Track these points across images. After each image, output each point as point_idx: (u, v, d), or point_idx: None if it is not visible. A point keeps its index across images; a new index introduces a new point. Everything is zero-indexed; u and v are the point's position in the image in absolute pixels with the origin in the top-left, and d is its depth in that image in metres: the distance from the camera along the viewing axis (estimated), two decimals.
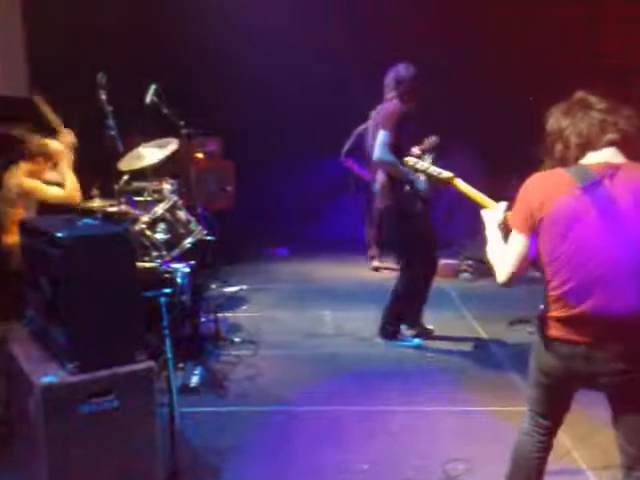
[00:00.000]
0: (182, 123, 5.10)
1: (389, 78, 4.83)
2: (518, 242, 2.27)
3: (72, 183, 4.53)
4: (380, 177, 4.84)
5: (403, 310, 5.04)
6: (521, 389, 3.98)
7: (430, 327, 5.19)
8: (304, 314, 5.77)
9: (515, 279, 2.30)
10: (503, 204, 2.49)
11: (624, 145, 2.20)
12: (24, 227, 3.09)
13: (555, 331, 2.27)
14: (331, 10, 7.69)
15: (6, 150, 4.73)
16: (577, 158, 2.24)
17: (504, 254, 2.32)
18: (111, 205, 4.56)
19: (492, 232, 2.44)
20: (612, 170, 2.16)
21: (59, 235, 2.52)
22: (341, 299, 6.22)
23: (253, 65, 7.56)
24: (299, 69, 7.69)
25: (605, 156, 2.20)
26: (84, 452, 2.48)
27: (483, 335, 5.13)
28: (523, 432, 2.53)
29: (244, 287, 6.48)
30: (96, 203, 4.75)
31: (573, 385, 2.37)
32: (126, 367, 2.60)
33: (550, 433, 2.48)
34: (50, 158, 4.59)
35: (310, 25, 7.59)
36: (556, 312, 2.26)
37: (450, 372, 4.44)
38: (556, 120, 2.30)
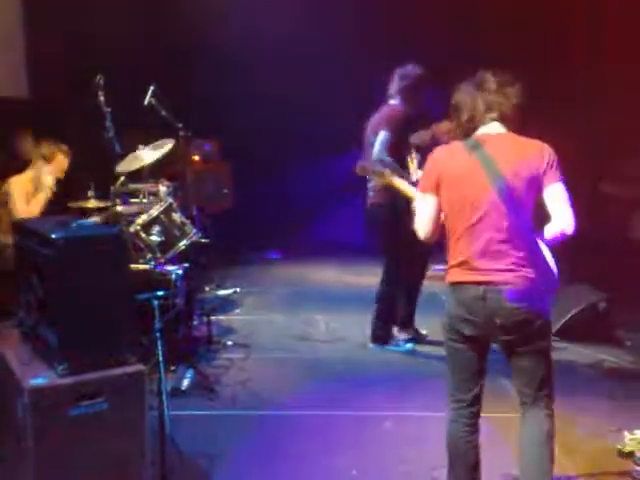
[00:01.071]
0: (180, 125, 5.10)
1: (393, 80, 4.83)
2: (428, 201, 2.74)
3: (38, 205, 4.72)
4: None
5: (391, 312, 5.02)
6: (513, 395, 3.98)
7: (424, 332, 5.19)
8: (297, 318, 5.77)
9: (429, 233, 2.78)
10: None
11: (504, 120, 2.68)
12: (18, 227, 3.09)
13: (456, 276, 2.67)
14: (331, 10, 7.70)
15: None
16: (470, 131, 2.72)
17: (420, 214, 2.80)
18: (106, 206, 4.57)
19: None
20: (488, 138, 2.66)
21: (52, 236, 2.52)
22: (334, 303, 6.22)
23: (251, 66, 7.57)
24: (298, 70, 7.70)
25: (489, 129, 2.69)
26: (73, 455, 2.47)
27: None
28: (450, 420, 2.81)
29: (238, 290, 6.47)
30: (91, 204, 4.77)
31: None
32: (116, 370, 2.59)
33: (474, 414, 2.78)
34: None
35: (310, 26, 7.60)
36: (454, 260, 2.68)
37: (441, 377, 4.39)
38: (457, 96, 2.78)
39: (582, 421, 3.75)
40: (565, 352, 4.84)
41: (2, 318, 3.37)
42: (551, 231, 2.61)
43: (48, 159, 4.78)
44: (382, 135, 4.63)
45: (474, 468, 2.76)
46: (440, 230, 2.79)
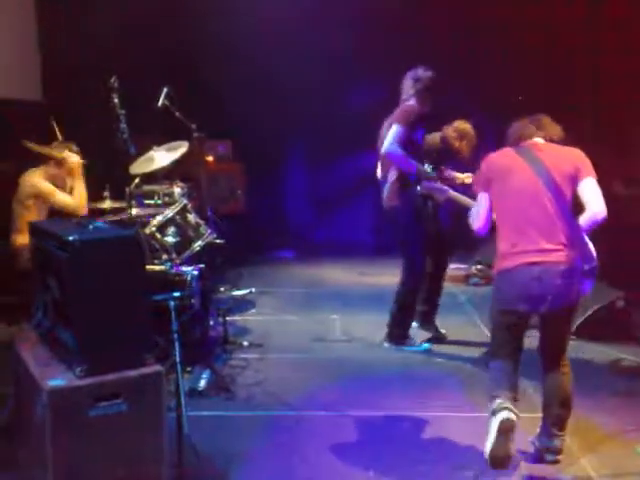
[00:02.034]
0: (194, 126, 5.12)
1: (407, 78, 4.82)
2: (481, 199, 3.30)
3: (80, 194, 4.59)
4: (391, 176, 4.82)
5: (409, 312, 5.00)
6: (531, 395, 3.96)
7: (443, 331, 5.18)
8: (312, 318, 5.77)
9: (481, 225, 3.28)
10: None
11: (547, 140, 3.32)
12: (34, 229, 3.10)
13: (510, 262, 3.12)
14: (344, 12, 7.68)
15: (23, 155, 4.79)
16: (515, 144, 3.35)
17: (476, 209, 3.33)
18: (121, 207, 4.59)
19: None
20: (535, 144, 3.28)
21: (68, 238, 2.52)
22: (350, 303, 6.21)
23: (263, 68, 7.57)
24: (309, 72, 7.70)
25: (534, 141, 3.31)
26: (91, 456, 2.48)
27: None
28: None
29: (253, 290, 6.47)
30: (107, 205, 4.79)
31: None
32: (135, 371, 2.60)
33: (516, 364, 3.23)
34: (64, 167, 4.64)
35: (321, 27, 7.60)
36: (511, 249, 3.13)
37: (458, 377, 4.42)
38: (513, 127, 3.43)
39: (600, 420, 3.72)
40: (583, 350, 4.80)
41: (20, 320, 3.40)
42: (585, 217, 3.12)
43: (60, 163, 4.75)
44: (395, 128, 4.61)
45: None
46: (489, 223, 3.29)
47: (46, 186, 4.56)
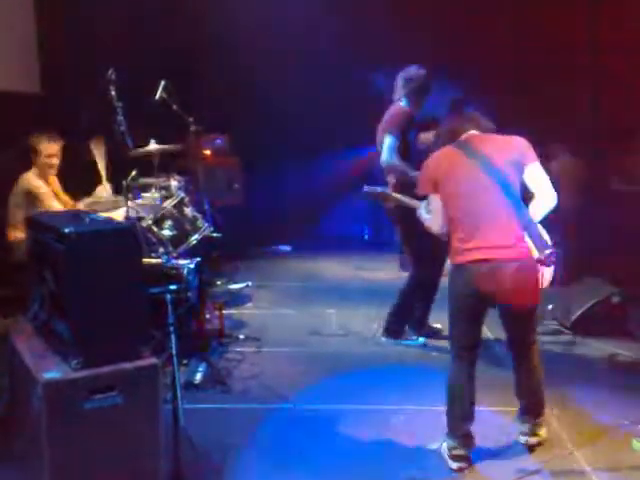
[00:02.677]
0: (191, 119, 5.11)
1: (399, 81, 4.82)
2: (429, 202, 3.31)
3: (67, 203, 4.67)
4: (391, 179, 4.83)
5: (409, 308, 5.02)
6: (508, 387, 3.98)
7: (438, 326, 5.18)
8: (309, 312, 5.77)
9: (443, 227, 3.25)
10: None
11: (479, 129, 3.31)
12: (31, 222, 3.10)
13: (463, 257, 3.10)
14: (339, 9, 7.66)
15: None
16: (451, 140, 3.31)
17: (430, 213, 3.34)
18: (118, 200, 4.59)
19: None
20: (472, 137, 3.25)
21: (65, 230, 2.52)
22: (346, 297, 6.21)
23: (260, 62, 7.55)
24: (307, 66, 7.69)
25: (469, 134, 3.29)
26: (87, 448, 2.48)
27: (489, 335, 5.11)
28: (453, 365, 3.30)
29: (249, 284, 6.48)
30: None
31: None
32: (130, 363, 2.60)
33: (472, 363, 3.25)
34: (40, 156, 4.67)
35: (318, 23, 7.58)
36: (464, 245, 3.10)
37: None
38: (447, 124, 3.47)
39: (596, 414, 3.73)
40: (579, 345, 4.82)
41: (16, 312, 3.39)
42: (536, 206, 3.09)
43: (35, 152, 4.72)
44: (388, 140, 4.64)
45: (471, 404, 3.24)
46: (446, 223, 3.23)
47: (37, 187, 4.59)
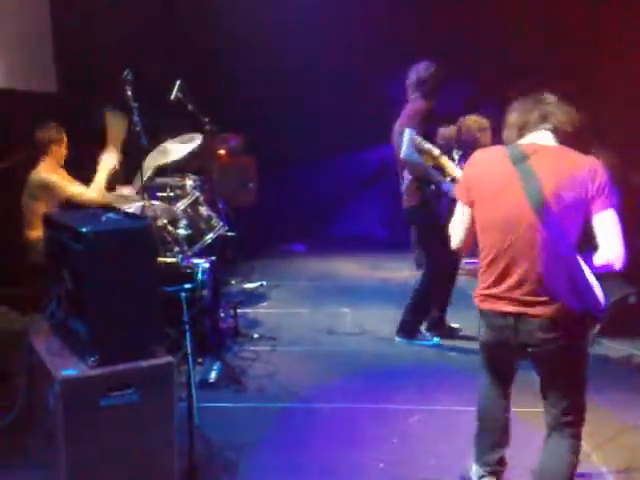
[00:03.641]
0: (206, 119, 5.12)
1: (411, 79, 4.82)
2: (460, 211, 2.64)
3: (98, 184, 4.60)
4: (407, 176, 4.82)
5: (424, 308, 5.01)
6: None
7: (456, 325, 5.16)
8: (323, 311, 5.77)
9: (462, 245, 2.68)
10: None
11: (558, 133, 2.51)
12: (48, 221, 3.12)
13: (487, 304, 2.55)
14: (358, 7, 7.66)
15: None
16: (518, 137, 2.57)
17: (455, 222, 2.69)
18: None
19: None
20: (535, 149, 2.46)
21: (82, 229, 2.54)
22: (361, 297, 6.21)
23: (277, 61, 7.57)
24: (322, 65, 7.69)
25: (539, 139, 2.52)
26: (103, 445, 2.50)
27: None
28: (483, 395, 2.86)
29: (264, 283, 6.49)
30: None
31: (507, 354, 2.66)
32: (146, 361, 2.61)
33: (505, 393, 2.81)
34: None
35: (334, 22, 7.58)
36: (484, 284, 2.55)
37: (470, 372, 4.38)
38: (512, 111, 2.62)
39: (612, 416, 3.70)
40: (595, 346, 4.78)
41: (33, 311, 3.42)
42: (598, 261, 2.42)
43: (58, 141, 4.74)
44: (407, 133, 4.61)
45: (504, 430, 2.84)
46: (473, 244, 2.67)
47: (51, 178, 4.59)
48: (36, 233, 4.54)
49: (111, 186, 4.82)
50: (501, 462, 2.85)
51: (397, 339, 5.00)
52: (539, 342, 2.45)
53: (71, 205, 4.65)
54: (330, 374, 4.39)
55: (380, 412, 3.82)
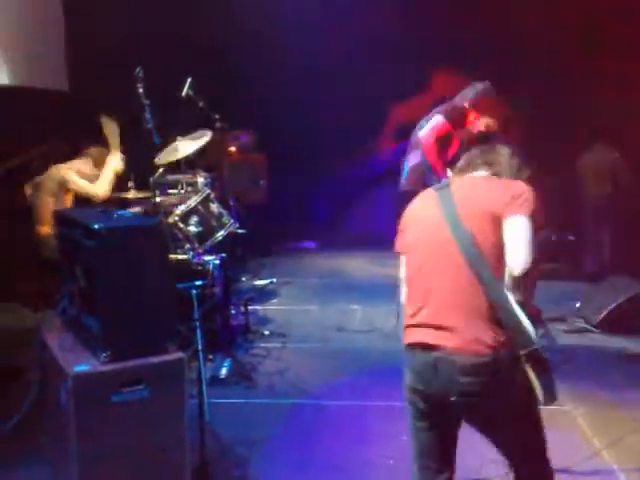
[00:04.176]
0: (217, 116, 5.13)
1: (473, 86, 4.77)
2: (400, 264, 2.46)
3: (104, 181, 4.66)
4: (414, 158, 4.79)
5: None
6: None
7: None
8: (333, 308, 5.78)
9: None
10: None
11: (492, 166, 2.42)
12: (59, 217, 3.14)
13: (409, 338, 2.30)
14: (373, 6, 7.64)
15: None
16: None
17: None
18: (146, 197, 4.63)
19: None
20: (462, 179, 2.43)
21: (94, 226, 2.55)
22: (371, 294, 6.20)
23: (288, 58, 7.56)
24: (333, 63, 7.68)
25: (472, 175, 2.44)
26: (114, 441, 2.51)
27: None
28: None
29: (274, 280, 6.50)
30: (131, 194, 4.84)
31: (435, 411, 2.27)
32: (158, 357, 2.62)
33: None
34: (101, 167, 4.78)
35: (348, 19, 7.57)
36: (408, 319, 2.32)
37: None
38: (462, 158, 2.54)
39: (624, 414, 3.68)
40: (606, 344, 4.75)
41: (46, 306, 3.45)
42: (506, 277, 2.15)
43: (97, 163, 4.87)
44: (437, 118, 4.61)
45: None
46: None
47: (68, 173, 4.66)
48: (47, 229, 4.58)
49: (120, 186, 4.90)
50: None
51: None
52: (464, 387, 2.12)
53: (79, 203, 4.71)
54: (340, 371, 4.39)
55: (389, 409, 3.81)
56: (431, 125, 4.60)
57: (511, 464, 2.32)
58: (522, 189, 2.23)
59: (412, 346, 2.26)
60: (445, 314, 2.16)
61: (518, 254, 2.13)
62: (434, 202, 2.34)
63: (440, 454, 2.35)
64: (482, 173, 2.42)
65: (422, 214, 2.39)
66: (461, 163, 2.50)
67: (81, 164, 4.84)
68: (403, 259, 2.42)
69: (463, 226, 2.20)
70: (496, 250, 2.16)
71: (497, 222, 2.18)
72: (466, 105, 4.72)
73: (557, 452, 3.24)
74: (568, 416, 3.28)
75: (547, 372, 2.09)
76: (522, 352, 2.06)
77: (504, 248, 2.16)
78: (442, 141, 4.60)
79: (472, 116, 4.72)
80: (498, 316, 2.10)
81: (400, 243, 2.46)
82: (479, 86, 4.75)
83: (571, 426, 3.38)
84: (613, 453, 3.26)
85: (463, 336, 2.10)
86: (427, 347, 2.18)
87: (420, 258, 2.31)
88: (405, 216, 2.48)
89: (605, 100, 6.73)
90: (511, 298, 2.12)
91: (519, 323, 2.09)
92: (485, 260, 2.14)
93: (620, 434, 3.45)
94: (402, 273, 2.44)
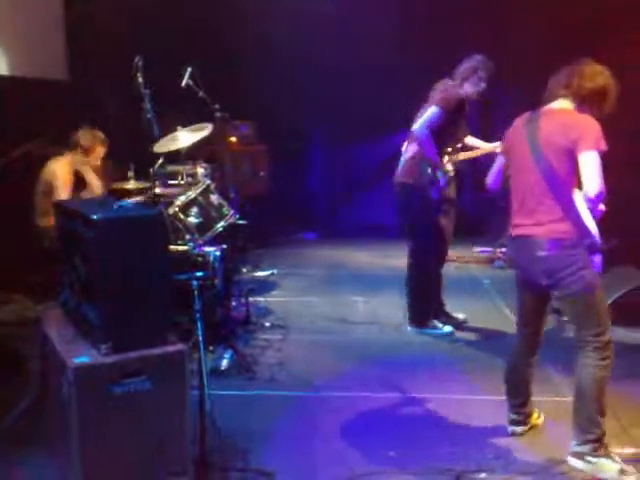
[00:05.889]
0: (217, 106, 5.10)
1: (466, 63, 4.68)
2: (498, 159, 3.44)
3: (66, 190, 4.74)
4: (410, 151, 4.76)
5: (427, 295, 4.95)
6: (554, 379, 3.94)
7: (460, 316, 5.12)
8: (335, 300, 5.77)
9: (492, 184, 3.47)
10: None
11: (576, 97, 3.10)
12: (59, 208, 3.13)
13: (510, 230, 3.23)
14: None
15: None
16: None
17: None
18: (146, 187, 4.61)
19: None
20: (545, 112, 3.14)
21: (93, 217, 2.54)
22: (372, 285, 6.20)
23: (289, 48, 7.52)
24: (334, 53, 7.63)
25: (553, 104, 3.15)
26: (115, 433, 2.51)
27: (511, 316, 5.06)
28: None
29: (275, 272, 6.49)
30: (131, 185, 4.82)
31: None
32: (158, 349, 2.61)
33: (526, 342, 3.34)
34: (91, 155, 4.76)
35: (347, 8, 7.52)
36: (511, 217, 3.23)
37: (481, 361, 4.40)
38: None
39: (629, 405, 3.67)
40: (611, 334, 4.73)
41: (46, 298, 3.44)
42: (580, 195, 2.95)
43: (87, 151, 4.82)
44: (433, 110, 4.55)
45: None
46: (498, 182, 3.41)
47: (60, 179, 4.66)
48: (47, 220, 4.57)
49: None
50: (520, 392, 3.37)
51: (408, 328, 4.99)
52: (540, 260, 3.02)
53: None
54: (341, 362, 4.39)
55: (391, 400, 3.82)
56: (426, 116, 4.56)
57: (574, 337, 3.12)
58: (586, 127, 2.94)
59: (513, 237, 3.23)
60: (524, 217, 3.14)
61: (593, 181, 2.88)
62: (524, 133, 3.11)
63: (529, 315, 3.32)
64: (559, 103, 3.10)
65: (516, 141, 3.18)
66: (547, 92, 3.17)
67: (71, 157, 4.82)
68: (500, 158, 3.42)
69: (543, 157, 3.00)
70: (569, 170, 2.97)
71: (571, 154, 2.94)
72: (459, 90, 4.66)
73: (558, 442, 3.26)
74: (569, 406, 3.27)
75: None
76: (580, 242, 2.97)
77: (574, 174, 2.96)
78: (438, 131, 4.56)
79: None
80: (566, 217, 2.98)
81: (503, 151, 3.37)
82: (475, 62, 4.65)
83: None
84: (619, 446, 3.23)
85: (533, 227, 3.08)
86: (516, 237, 3.21)
87: (515, 178, 3.22)
88: (507, 135, 3.29)
89: None
90: (582, 207, 2.95)
91: (582, 222, 2.96)
92: (558, 181, 2.99)
93: (625, 425, 3.44)
94: (495, 165, 3.47)
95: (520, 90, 6.68)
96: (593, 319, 3.02)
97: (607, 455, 3.00)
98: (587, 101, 3.07)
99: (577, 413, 3.05)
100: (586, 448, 3.00)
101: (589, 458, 2.99)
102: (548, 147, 2.99)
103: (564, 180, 2.99)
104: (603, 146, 2.91)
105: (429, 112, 4.55)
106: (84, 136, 4.81)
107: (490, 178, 3.45)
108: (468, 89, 4.67)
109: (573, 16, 6.89)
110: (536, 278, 3.09)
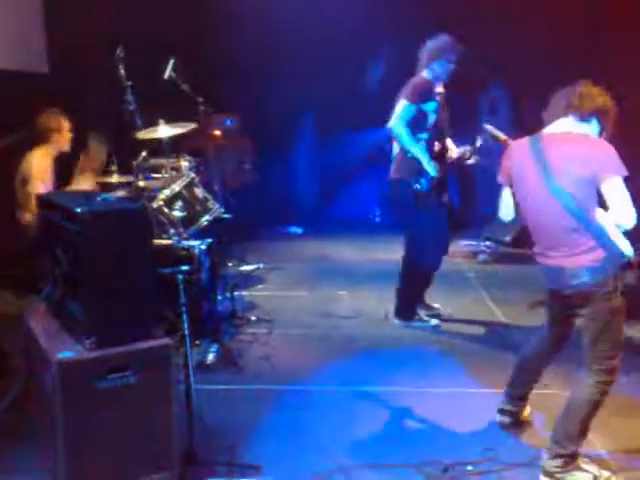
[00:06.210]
0: (200, 99, 5.06)
1: (425, 46, 4.67)
2: (504, 194, 3.23)
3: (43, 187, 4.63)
4: (396, 147, 4.76)
5: (416, 289, 4.97)
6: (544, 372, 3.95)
7: (436, 305, 5.11)
8: (320, 294, 5.76)
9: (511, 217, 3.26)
10: None
11: (582, 117, 2.96)
12: (43, 202, 3.09)
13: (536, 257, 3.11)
14: None
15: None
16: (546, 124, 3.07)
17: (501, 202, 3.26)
18: (129, 181, 4.57)
19: None
20: (550, 137, 2.98)
21: (77, 210, 2.51)
22: (358, 279, 6.20)
23: (273, 41, 7.49)
24: (320, 46, 7.61)
25: (558, 126, 3.00)
26: (101, 428, 2.49)
27: (502, 318, 5.09)
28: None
29: (261, 266, 6.47)
30: (114, 179, 4.77)
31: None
32: (144, 343, 2.60)
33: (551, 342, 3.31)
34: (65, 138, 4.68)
35: (333, 1, 7.50)
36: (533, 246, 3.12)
37: (467, 355, 4.41)
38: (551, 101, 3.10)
39: (615, 397, 3.68)
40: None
41: (30, 292, 3.40)
42: (611, 221, 2.82)
43: (59, 131, 4.76)
44: (401, 105, 4.53)
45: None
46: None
47: (35, 170, 4.60)
48: (30, 215, 4.51)
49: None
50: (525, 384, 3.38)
51: (395, 321, 4.99)
52: (567, 289, 2.97)
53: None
54: (327, 356, 4.38)
55: (377, 394, 3.82)
56: (397, 112, 4.55)
57: (582, 354, 3.01)
58: (602, 153, 2.82)
59: (539, 264, 3.12)
60: (549, 250, 3.02)
61: (622, 210, 2.78)
62: (531, 160, 2.94)
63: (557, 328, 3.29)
64: (562, 124, 2.97)
65: (524, 169, 3.01)
66: (548, 111, 3.05)
67: (47, 148, 4.76)
68: (507, 191, 3.23)
69: (559, 187, 2.84)
70: (591, 197, 2.83)
71: (592, 182, 2.80)
72: (423, 75, 4.64)
73: (547, 435, 3.28)
74: (556, 398, 3.28)
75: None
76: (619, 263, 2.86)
77: (596, 198, 2.83)
78: (413, 123, 4.55)
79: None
80: (594, 245, 2.85)
81: (506, 179, 3.17)
82: (433, 43, 4.63)
83: (559, 409, 3.38)
84: (600, 436, 3.27)
85: (563, 259, 2.95)
86: (547, 266, 3.07)
87: (530, 208, 3.07)
88: (508, 160, 3.12)
89: None
90: (607, 228, 2.83)
91: (611, 247, 2.84)
92: (581, 211, 2.83)
93: (607, 418, 3.45)
94: (507, 202, 3.26)
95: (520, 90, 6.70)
96: (609, 342, 2.95)
97: (577, 467, 2.93)
98: (588, 121, 2.97)
99: (558, 425, 2.99)
100: (556, 462, 2.92)
101: (559, 476, 2.91)
102: (565, 178, 2.84)
103: (588, 207, 2.84)
104: (624, 171, 2.79)
105: (399, 107, 4.55)
106: (48, 119, 4.75)
107: (505, 210, 3.24)
108: (437, 69, 4.65)
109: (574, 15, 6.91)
110: (567, 301, 3.05)
